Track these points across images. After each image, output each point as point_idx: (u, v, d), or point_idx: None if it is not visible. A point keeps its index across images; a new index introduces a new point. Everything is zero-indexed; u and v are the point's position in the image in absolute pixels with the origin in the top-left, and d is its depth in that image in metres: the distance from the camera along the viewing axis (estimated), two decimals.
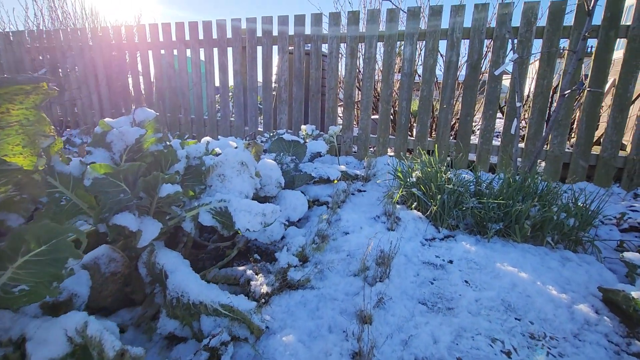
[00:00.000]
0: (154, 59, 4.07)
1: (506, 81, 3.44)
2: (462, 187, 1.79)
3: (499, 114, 3.48)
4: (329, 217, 1.64)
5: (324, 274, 1.24)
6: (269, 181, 1.49)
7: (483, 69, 3.37)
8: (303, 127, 3.08)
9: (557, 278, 1.32)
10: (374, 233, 1.56)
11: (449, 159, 3.26)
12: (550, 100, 2.86)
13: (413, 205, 1.86)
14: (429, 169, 1.87)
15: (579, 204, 1.69)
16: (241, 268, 1.24)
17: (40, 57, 4.55)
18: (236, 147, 1.32)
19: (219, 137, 4.04)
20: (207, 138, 1.52)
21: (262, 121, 3.80)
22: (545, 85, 2.71)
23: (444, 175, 1.81)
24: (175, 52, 3.93)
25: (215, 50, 3.77)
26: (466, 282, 1.29)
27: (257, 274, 1.13)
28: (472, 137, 3.12)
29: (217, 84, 3.90)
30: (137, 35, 4.04)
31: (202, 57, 3.85)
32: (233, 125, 3.90)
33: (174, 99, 4.07)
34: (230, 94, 4.12)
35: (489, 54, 3.08)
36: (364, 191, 2.25)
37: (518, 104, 2.15)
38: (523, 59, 2.66)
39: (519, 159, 3.15)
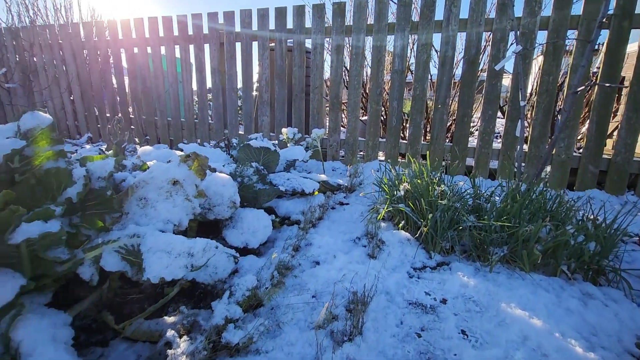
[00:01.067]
0: (127, 58, 3.78)
1: (505, 80, 3.16)
2: (458, 201, 1.51)
3: (499, 115, 3.21)
4: (297, 241, 1.35)
5: (279, 327, 0.95)
6: (220, 200, 1.21)
7: (482, 65, 3.09)
8: (284, 130, 2.80)
9: (580, 325, 1.03)
10: (350, 262, 1.27)
11: (444, 163, 2.98)
12: (556, 98, 2.57)
13: (400, 225, 1.57)
14: (419, 181, 1.58)
15: (596, 219, 1.41)
16: (171, 320, 0.95)
17: (8, 55, 4.25)
18: (170, 162, 1.04)
19: (197, 141, 3.75)
20: (144, 148, 1.23)
21: (243, 124, 3.51)
22: (550, 82, 2.43)
23: (436, 188, 1.53)
24: (149, 49, 3.64)
25: (192, 47, 3.47)
26: (463, 333, 1.00)
27: (181, 334, 0.85)
28: (470, 140, 2.84)
29: (194, 84, 3.61)
30: (108, 32, 3.74)
31: (178, 55, 3.55)
32: (212, 128, 3.61)
33: (148, 100, 3.78)
34: (209, 95, 3.82)
35: (488, 48, 2.81)
36: (347, 204, 1.96)
37: (522, 103, 1.86)
38: (527, 51, 2.38)
39: (522, 164, 2.88)
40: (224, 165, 1.47)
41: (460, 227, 1.44)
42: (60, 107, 4.25)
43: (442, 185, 1.55)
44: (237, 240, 1.25)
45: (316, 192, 2.09)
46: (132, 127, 3.96)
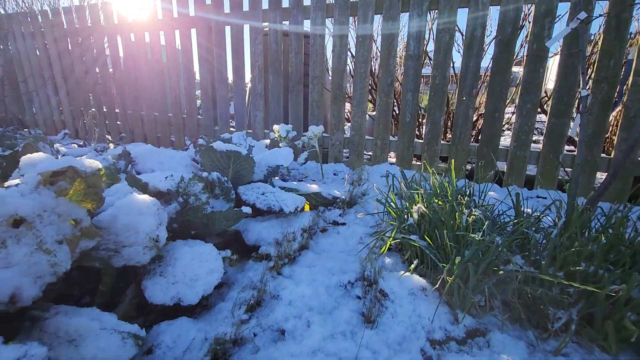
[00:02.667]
0: (110, 46, 3.42)
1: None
2: (499, 233, 1.04)
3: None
4: (257, 293, 0.92)
5: None
6: (134, 238, 0.79)
7: (518, 47, 2.54)
8: (275, 127, 2.36)
9: None
10: (332, 336, 0.83)
11: (469, 167, 2.48)
12: (618, 88, 2.02)
13: (413, 264, 1.11)
14: (440, 202, 1.11)
15: None
16: None
17: None
18: (21, 181, 0.63)
19: (185, 138, 3.37)
20: (31, 157, 0.82)
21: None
22: (612, 67, 1.90)
23: (464, 214, 1.05)
24: (132, 37, 3.26)
25: (177, 33, 3.07)
26: None
27: None
28: (501, 140, 2.33)
29: (182, 74, 3.21)
30: (89, 18, 3.39)
31: (163, 42, 3.16)
32: (201, 124, 3.21)
33: (133, 93, 3.41)
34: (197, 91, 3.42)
35: (528, 25, 2.27)
36: (343, 224, 1.51)
37: (584, 92, 1.35)
38: (590, 21, 1.83)
39: (567, 169, 2.35)
40: (166, 178, 1.05)
41: (501, 272, 0.97)
42: (46, 100, 3.95)
43: (474, 211, 1.07)
44: (163, 294, 0.83)
45: (307, 207, 1.64)
46: (117, 122, 3.62)
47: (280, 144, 2.34)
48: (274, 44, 2.72)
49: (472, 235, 0.97)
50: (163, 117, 3.34)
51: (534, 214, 1.26)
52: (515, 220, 1.18)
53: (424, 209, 1.13)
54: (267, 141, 2.44)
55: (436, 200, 1.12)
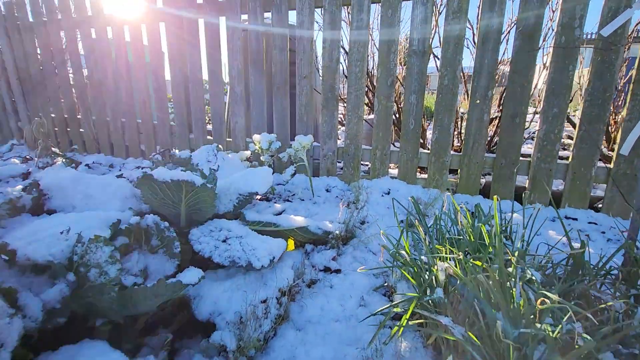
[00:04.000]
0: (68, 43, 2.99)
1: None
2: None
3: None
4: None
5: None
6: None
7: (542, 40, 2.17)
8: (256, 137, 1.99)
9: None
10: None
11: (483, 180, 2.14)
12: None
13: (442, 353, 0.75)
14: (480, 264, 0.76)
15: None
16: None
17: None
18: None
19: (157, 147, 2.97)
20: None
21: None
22: None
23: (524, 293, 0.70)
24: (93, 32, 2.84)
25: (144, 27, 2.67)
26: None
27: None
28: (522, 149, 1.99)
29: (151, 75, 2.81)
30: (44, 9, 2.96)
31: (129, 38, 2.75)
32: (174, 132, 2.81)
33: (97, 96, 3.00)
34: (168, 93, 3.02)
35: (556, 14, 1.93)
36: (338, 272, 1.15)
37: None
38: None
39: (597, 188, 2.01)
40: (61, 233, 0.67)
41: None
42: (1, 104, 3.50)
43: (531, 273, 0.72)
44: None
45: (291, 244, 1.28)
46: (80, 129, 3.19)
47: (261, 157, 1.97)
48: (254, 39, 2.34)
49: (542, 326, 0.62)
50: (131, 123, 2.94)
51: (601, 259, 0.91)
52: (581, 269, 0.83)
53: (454, 269, 0.77)
54: (247, 153, 2.07)
55: (475, 263, 0.76)
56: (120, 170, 2.70)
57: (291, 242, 1.28)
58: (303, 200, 2.02)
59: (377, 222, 1.53)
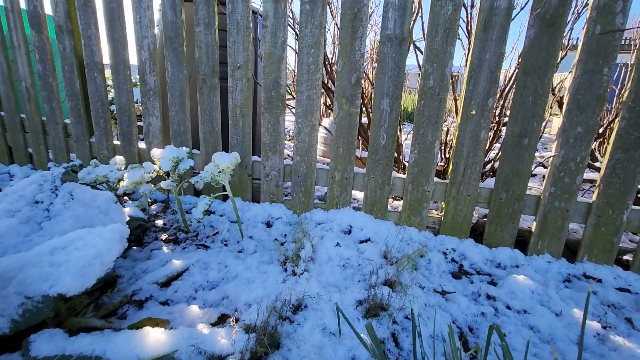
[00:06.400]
0: None
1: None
2: None
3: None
4: None
5: None
6: None
7: (568, 28, 1.61)
8: (155, 152, 1.35)
9: None
10: None
11: (476, 216, 1.61)
12: None
13: None
14: None
15: None
16: None
17: None
18: None
19: (49, 151, 2.22)
20: None
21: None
22: None
23: None
24: None
25: None
26: None
27: None
28: (530, 181, 1.49)
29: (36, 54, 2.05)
30: None
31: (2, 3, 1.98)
32: (70, 132, 2.08)
33: None
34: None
35: None
36: None
37: None
38: None
39: (622, 242, 1.52)
40: None
41: None
42: None
43: None
44: None
45: None
46: None
47: (162, 184, 1.32)
48: (170, 9, 1.66)
49: None
50: (13, 119, 2.17)
51: None
52: None
53: None
54: (151, 172, 1.40)
55: None
56: None
57: None
58: (226, 244, 1.40)
59: (322, 301, 0.94)
